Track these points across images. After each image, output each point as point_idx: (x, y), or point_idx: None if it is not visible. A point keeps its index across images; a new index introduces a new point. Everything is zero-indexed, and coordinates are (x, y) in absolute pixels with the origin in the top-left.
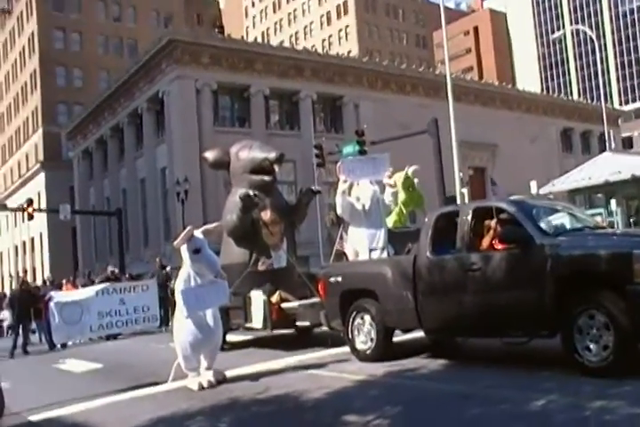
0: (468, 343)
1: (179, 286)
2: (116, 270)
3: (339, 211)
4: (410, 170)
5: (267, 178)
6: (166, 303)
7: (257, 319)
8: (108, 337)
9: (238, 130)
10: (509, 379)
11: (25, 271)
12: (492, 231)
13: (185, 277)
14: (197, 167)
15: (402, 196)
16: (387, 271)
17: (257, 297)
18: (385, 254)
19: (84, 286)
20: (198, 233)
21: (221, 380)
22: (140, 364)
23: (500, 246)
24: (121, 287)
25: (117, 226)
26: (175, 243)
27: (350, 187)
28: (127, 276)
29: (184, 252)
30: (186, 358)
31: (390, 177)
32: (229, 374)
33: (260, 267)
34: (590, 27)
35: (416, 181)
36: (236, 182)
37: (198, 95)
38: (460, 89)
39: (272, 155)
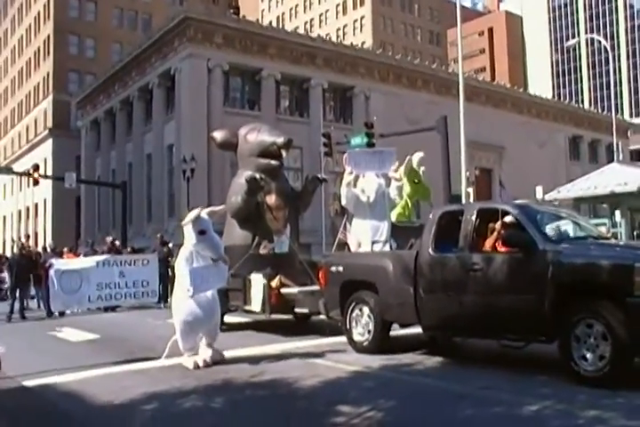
0: (467, 343)
1: (180, 264)
2: (117, 242)
3: (343, 202)
4: (415, 158)
5: (274, 162)
6: (166, 279)
7: (256, 302)
8: (107, 309)
9: (248, 112)
10: (505, 381)
11: (27, 236)
12: (495, 233)
13: (187, 255)
14: (205, 146)
15: (407, 188)
16: (388, 265)
17: (257, 280)
18: (387, 248)
19: (85, 255)
20: (204, 214)
21: (219, 360)
22: (135, 338)
23: (502, 249)
24: (121, 260)
25: (122, 199)
26: (183, 222)
27: (356, 179)
28: (129, 249)
29: (188, 231)
30: (184, 336)
31: (396, 171)
32: (226, 355)
33: (262, 250)
34: (605, 37)
35: (422, 169)
36: (242, 164)
37: (209, 75)
38: (472, 89)
39: (280, 139)
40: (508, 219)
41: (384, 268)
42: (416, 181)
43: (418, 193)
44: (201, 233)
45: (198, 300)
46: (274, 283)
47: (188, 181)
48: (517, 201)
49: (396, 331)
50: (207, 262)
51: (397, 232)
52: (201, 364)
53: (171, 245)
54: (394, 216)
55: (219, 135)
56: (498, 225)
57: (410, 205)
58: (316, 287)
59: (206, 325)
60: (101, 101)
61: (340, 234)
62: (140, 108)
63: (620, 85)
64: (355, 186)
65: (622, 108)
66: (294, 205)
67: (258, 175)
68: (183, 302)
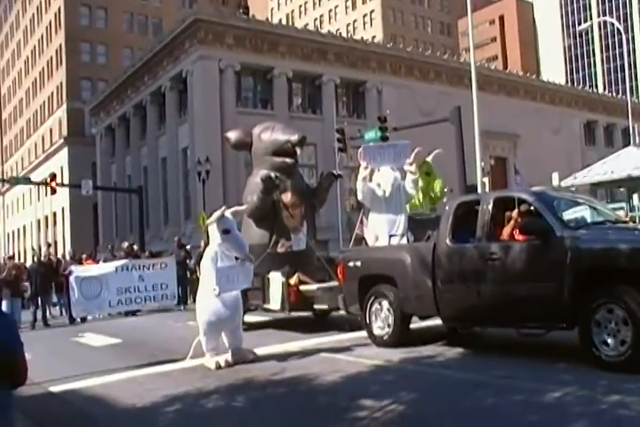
0: (486, 333)
1: (205, 264)
2: (135, 246)
3: (359, 197)
4: (433, 153)
5: (288, 160)
6: (184, 282)
7: (275, 301)
8: (127, 313)
9: (261, 111)
10: (525, 370)
11: (48, 245)
12: (512, 222)
13: (212, 255)
14: (219, 148)
15: (420, 182)
16: (406, 258)
17: (275, 279)
18: (404, 241)
19: (105, 260)
20: (228, 214)
21: (253, 358)
22: (157, 341)
23: (520, 237)
24: (140, 264)
25: (138, 203)
26: (208, 221)
27: (371, 173)
28: (147, 253)
29: (213, 231)
30: (207, 336)
31: (411, 164)
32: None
33: (280, 249)
34: (618, 19)
35: (429, 158)
36: (257, 164)
37: (221, 76)
38: (484, 78)
39: (294, 137)
40: (523, 206)
41: (402, 261)
42: (426, 174)
43: (429, 185)
44: (225, 232)
45: (223, 300)
46: (292, 280)
47: (203, 182)
48: (534, 188)
49: (416, 323)
50: (232, 262)
51: (414, 225)
52: (223, 364)
53: (188, 247)
54: (410, 209)
55: (232, 135)
56: (515, 213)
57: (421, 198)
58: (334, 283)
59: (229, 325)
60: (114, 107)
61: (357, 229)
62: (153, 112)
63: (635, 68)
64: (370, 180)
65: (637, 91)
66: (310, 202)
67: (273, 174)
68: (208, 301)
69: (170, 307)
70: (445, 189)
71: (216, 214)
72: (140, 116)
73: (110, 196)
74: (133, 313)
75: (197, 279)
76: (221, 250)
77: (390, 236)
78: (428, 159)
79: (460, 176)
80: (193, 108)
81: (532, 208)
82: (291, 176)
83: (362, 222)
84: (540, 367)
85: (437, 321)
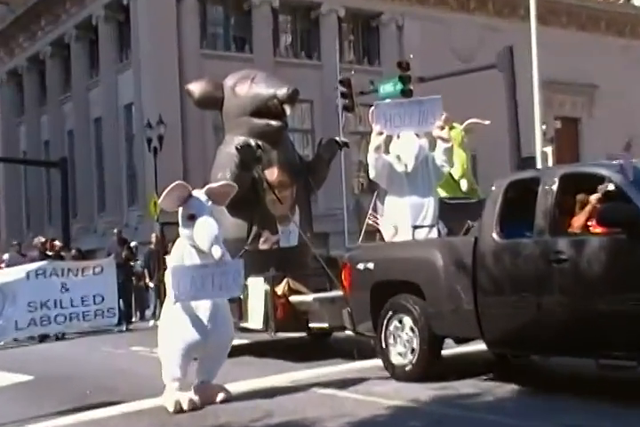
0: (549, 364)
1: (169, 265)
2: (57, 243)
3: (371, 174)
4: (463, 126)
5: (274, 123)
6: (128, 292)
7: (255, 317)
8: (43, 338)
9: (235, 55)
10: (605, 417)
11: None
12: (588, 208)
13: (178, 254)
14: (177, 105)
15: (460, 152)
16: (436, 258)
17: (256, 286)
18: (434, 234)
19: (10, 263)
20: (200, 193)
21: (225, 397)
22: (87, 375)
23: (599, 229)
24: (63, 268)
25: (60, 182)
26: (160, 201)
27: (388, 141)
28: (73, 252)
29: (180, 217)
30: (170, 365)
31: (443, 128)
32: None
33: (262, 245)
34: None
35: (461, 127)
36: (230, 127)
37: (179, 4)
38: (548, 5)
39: (282, 91)
40: (605, 187)
41: (431, 262)
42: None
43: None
44: (189, 218)
45: (192, 313)
46: (280, 289)
47: (154, 153)
48: (619, 160)
49: (450, 349)
50: (208, 261)
51: (448, 212)
52: (185, 405)
53: (133, 244)
54: (442, 190)
55: (197, 89)
56: (593, 198)
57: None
58: (337, 293)
59: (205, 350)
60: (21, 44)
61: (369, 218)
62: (80, 53)
63: None
64: (387, 151)
65: None
66: (304, 182)
67: (253, 141)
68: (173, 316)
69: (107, 328)
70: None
71: (169, 191)
72: (60, 57)
73: (18, 170)
74: (58, 337)
75: (146, 287)
76: (191, 245)
77: (415, 227)
78: (459, 128)
79: (511, 145)
80: (138, 49)
81: (615, 189)
82: (277, 145)
83: (375, 209)
84: (625, 414)
85: (480, 346)
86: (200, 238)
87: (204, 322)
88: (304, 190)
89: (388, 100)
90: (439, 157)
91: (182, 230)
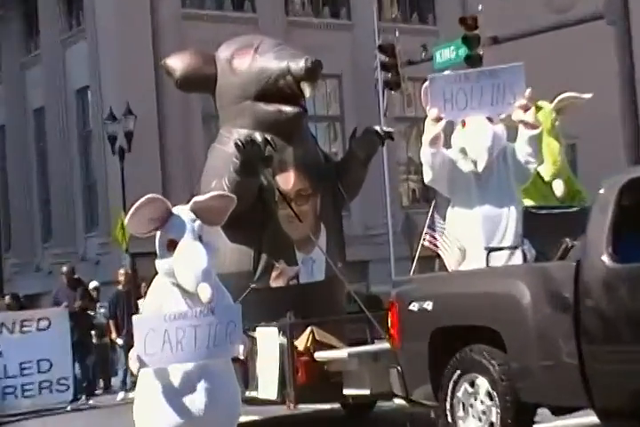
0: None
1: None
2: None
3: (427, 176)
4: (554, 103)
5: (288, 109)
6: (86, 353)
7: (268, 383)
8: None
9: (231, 15)
10: None
11: None
12: None
13: (157, 296)
14: (151, 88)
15: (552, 141)
16: (522, 292)
17: (268, 340)
18: (518, 259)
19: None
20: (183, 210)
21: None
22: None
23: None
24: None
25: None
26: (127, 222)
27: (450, 130)
28: (7, 299)
29: (157, 245)
30: None
31: (527, 108)
32: None
33: (275, 281)
34: None
35: (551, 106)
36: (228, 117)
37: None
38: None
39: (298, 64)
40: None
41: (514, 299)
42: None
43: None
44: (170, 246)
45: (170, 385)
46: (301, 342)
47: (121, 155)
48: None
49: (546, 423)
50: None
51: (537, 226)
52: None
53: (94, 285)
54: (531, 197)
55: (178, 63)
56: None
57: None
58: (382, 346)
59: None
60: None
61: (424, 239)
62: (13, 18)
63: None
64: (448, 144)
65: None
66: (332, 190)
67: (259, 136)
68: (149, 387)
69: (58, 405)
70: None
71: (138, 206)
72: None
73: None
74: None
75: (113, 345)
76: (172, 285)
77: (490, 250)
78: (549, 107)
79: (626, 129)
80: (94, 12)
81: None
82: (293, 139)
83: (432, 226)
84: None
85: (589, 418)
86: (182, 273)
87: (192, 396)
88: (332, 203)
89: (447, 72)
90: (523, 149)
91: (160, 263)
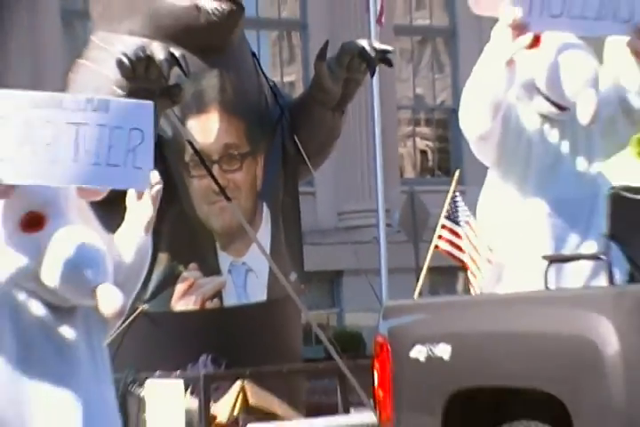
0: None
1: None
2: None
3: (480, 127)
4: None
5: (214, 5)
6: None
7: None
8: None
9: None
10: None
11: None
12: None
13: None
14: None
15: None
16: (603, 334)
17: (166, 401)
18: (600, 276)
19: None
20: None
21: None
22: None
23: None
24: None
25: None
26: None
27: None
28: None
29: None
30: None
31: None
32: None
33: (181, 301)
34: None
35: None
36: (106, 15)
37: None
38: None
39: None
40: None
41: (590, 346)
42: None
43: None
44: (29, 226)
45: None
46: (223, 407)
47: None
48: None
49: None
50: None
51: (634, 223)
52: None
53: None
54: (622, 172)
55: None
56: None
57: None
58: (362, 417)
59: None
60: None
61: (441, 236)
62: None
63: None
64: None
65: None
66: (283, 148)
67: (160, 48)
68: None
69: None
70: None
71: None
72: None
73: None
74: None
75: None
76: (26, 290)
77: (551, 260)
78: None
79: None
80: None
81: None
82: (220, 60)
83: (452, 216)
84: None
85: None
86: (70, 276)
87: None
88: (283, 171)
89: None
90: (634, 95)
91: (9, 256)
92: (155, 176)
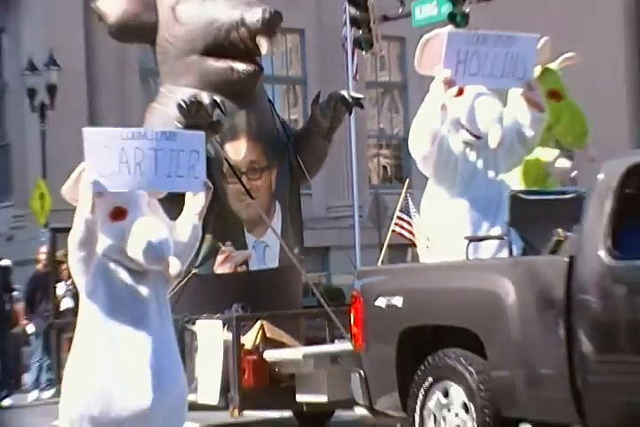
0: None
1: (81, 298)
2: None
3: (420, 151)
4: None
5: (242, 67)
6: (3, 344)
7: (208, 386)
8: None
9: None
10: None
11: None
12: None
13: (92, 279)
14: (79, 35)
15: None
16: (506, 290)
17: (209, 335)
18: (503, 251)
19: None
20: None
21: None
22: None
23: None
24: None
25: None
26: (64, 189)
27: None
28: None
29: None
30: None
31: (532, 88)
32: None
33: (220, 267)
34: None
35: (554, 65)
36: (170, 73)
37: None
38: None
39: (254, 15)
40: None
41: (497, 297)
42: (552, 98)
43: (564, 122)
44: (115, 216)
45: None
46: (249, 339)
47: (42, 112)
48: None
49: None
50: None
51: (525, 215)
52: None
53: (5, 263)
54: (519, 179)
55: (112, 7)
56: None
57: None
58: (343, 346)
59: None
60: None
61: (396, 223)
62: None
63: None
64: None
65: None
66: (290, 164)
67: (207, 97)
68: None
69: None
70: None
71: (77, 175)
72: None
73: None
74: None
75: (26, 336)
76: (114, 259)
77: (470, 240)
78: (552, 66)
79: (630, 103)
80: None
81: None
82: (247, 102)
83: (404, 209)
84: None
85: None
86: (146, 254)
87: (140, 372)
88: (290, 179)
89: (462, 30)
90: (523, 131)
91: (102, 237)
92: (207, 183)
